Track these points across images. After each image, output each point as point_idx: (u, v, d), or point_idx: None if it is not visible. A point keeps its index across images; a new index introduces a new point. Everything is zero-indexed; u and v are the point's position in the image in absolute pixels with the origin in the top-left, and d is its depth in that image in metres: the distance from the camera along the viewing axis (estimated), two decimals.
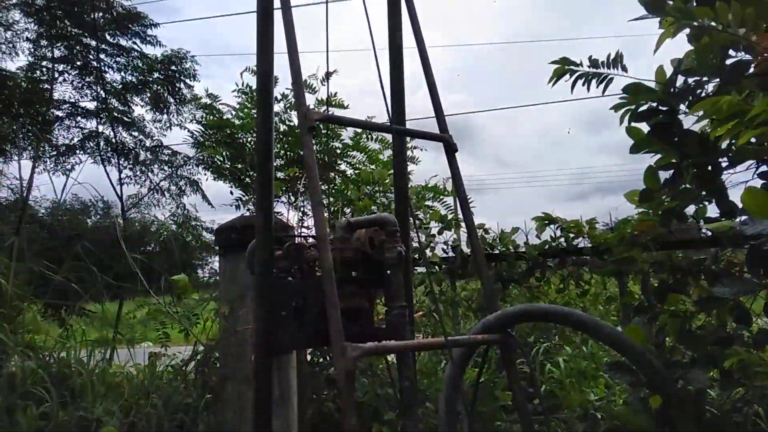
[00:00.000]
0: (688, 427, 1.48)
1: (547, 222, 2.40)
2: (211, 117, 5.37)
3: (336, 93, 4.97)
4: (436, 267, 2.42)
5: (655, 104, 1.96)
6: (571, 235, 2.39)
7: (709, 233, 2.21)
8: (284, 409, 2.67)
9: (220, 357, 2.77)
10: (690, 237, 2.28)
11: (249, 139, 5.05)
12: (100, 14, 7.55)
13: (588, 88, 2.04)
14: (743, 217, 1.79)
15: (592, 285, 2.64)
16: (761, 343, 1.73)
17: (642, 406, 2.40)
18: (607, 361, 2.13)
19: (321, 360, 3.74)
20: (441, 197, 3.15)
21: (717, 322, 1.97)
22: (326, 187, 4.05)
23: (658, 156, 1.99)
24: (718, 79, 1.87)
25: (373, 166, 4.57)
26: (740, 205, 1.96)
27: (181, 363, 4.25)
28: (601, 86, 2.04)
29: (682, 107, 1.94)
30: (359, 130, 4.70)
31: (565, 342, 3.88)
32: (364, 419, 2.54)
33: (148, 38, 7.91)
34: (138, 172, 8.14)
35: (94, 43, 7.56)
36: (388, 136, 4.61)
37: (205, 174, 7.76)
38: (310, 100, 4.91)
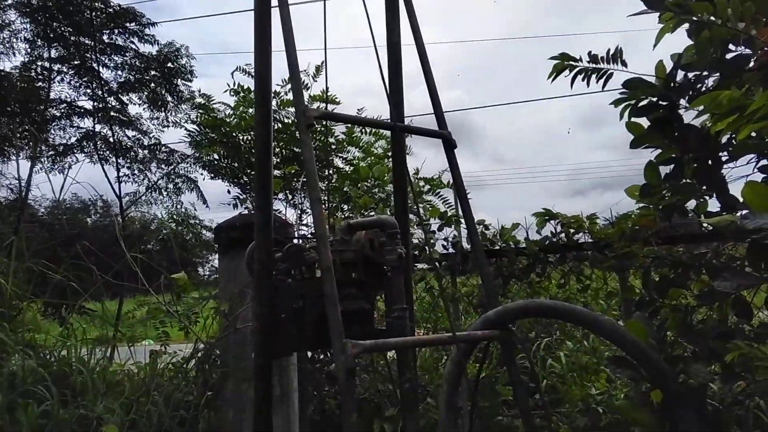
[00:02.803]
0: (689, 422, 1.48)
1: (547, 218, 2.40)
2: (206, 117, 5.36)
3: (328, 89, 4.97)
4: (437, 263, 2.41)
5: (655, 99, 1.95)
6: (572, 231, 2.38)
7: (710, 228, 2.21)
8: (285, 407, 2.68)
9: (220, 355, 2.77)
10: (691, 231, 2.28)
11: (245, 138, 5.04)
12: (97, 13, 7.52)
13: (588, 84, 2.04)
14: (744, 212, 1.79)
15: (592, 280, 2.64)
16: (762, 337, 1.73)
17: (643, 400, 2.40)
18: (609, 356, 2.13)
19: (322, 357, 3.75)
20: (439, 191, 3.15)
21: (718, 316, 1.97)
22: (324, 185, 4.04)
23: (659, 151, 1.99)
24: (718, 74, 1.87)
25: (368, 160, 4.56)
26: (741, 200, 1.96)
27: (181, 361, 4.25)
28: (601, 81, 2.03)
29: (683, 102, 1.94)
30: (352, 126, 4.69)
31: (567, 337, 3.88)
32: (365, 415, 2.54)
33: (145, 37, 7.89)
34: (136, 171, 8.13)
35: (90, 42, 7.54)
36: (382, 131, 4.61)
37: (202, 174, 7.76)
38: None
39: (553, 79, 2.06)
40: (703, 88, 1.92)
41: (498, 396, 3.90)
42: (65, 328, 4.27)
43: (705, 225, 2.22)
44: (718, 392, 3.05)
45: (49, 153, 8.02)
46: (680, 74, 1.92)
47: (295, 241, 2.33)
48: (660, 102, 1.95)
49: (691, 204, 2.05)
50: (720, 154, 1.92)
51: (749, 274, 1.76)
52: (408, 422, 1.62)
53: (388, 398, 3.59)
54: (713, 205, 2.01)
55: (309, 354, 3.26)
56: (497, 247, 2.59)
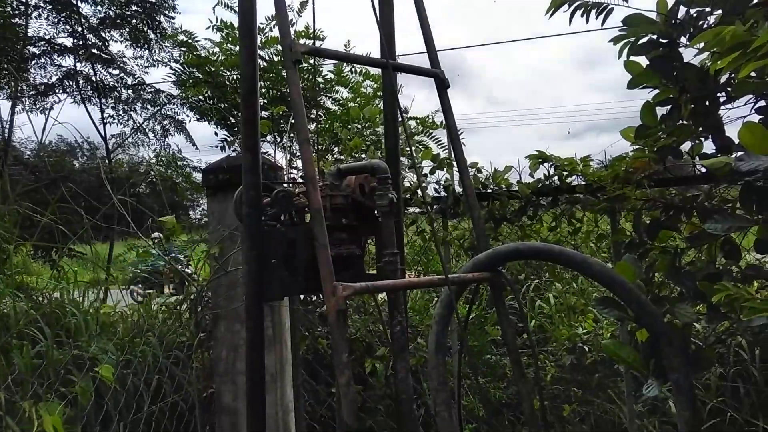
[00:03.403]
0: (673, 360, 1.51)
1: (540, 160, 2.37)
2: (190, 56, 5.16)
3: (315, 23, 4.77)
4: (428, 207, 2.40)
5: (655, 36, 1.89)
6: (565, 174, 2.36)
7: (704, 170, 2.19)
8: (278, 347, 2.72)
9: (211, 298, 2.79)
10: (684, 174, 2.26)
11: (231, 77, 4.87)
12: None
13: (587, 20, 1.96)
14: (739, 153, 1.77)
15: (584, 223, 2.64)
16: (750, 278, 1.75)
17: (629, 339, 2.46)
18: (596, 297, 2.16)
19: (314, 299, 3.79)
20: (431, 132, 3.08)
21: (707, 258, 1.98)
22: (313, 126, 3.96)
23: (656, 92, 1.94)
24: (720, 10, 1.80)
25: (358, 101, 4.45)
26: (737, 142, 1.94)
27: (174, 303, 4.30)
28: (600, 17, 1.96)
29: (683, 40, 1.88)
30: (340, 64, 4.54)
31: (556, 279, 3.95)
32: (356, 355, 2.59)
33: None
34: (120, 112, 7.93)
35: None
36: (372, 70, 4.47)
37: (188, 115, 7.59)
38: None
39: (551, 15, 1.98)
40: (705, 25, 1.85)
41: (486, 336, 4.00)
42: (56, 271, 4.28)
43: (698, 167, 2.20)
44: (702, 331, 3.14)
45: (30, 93, 7.78)
46: (682, 10, 1.86)
47: (285, 185, 2.30)
48: (660, 39, 1.89)
49: (686, 146, 2.03)
50: (718, 94, 1.89)
51: (740, 217, 1.76)
52: (398, 362, 1.64)
53: (379, 338, 3.67)
54: (708, 147, 1.99)
55: (301, 296, 3.29)
56: (489, 191, 2.57)
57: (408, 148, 1.97)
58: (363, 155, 3.12)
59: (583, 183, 2.37)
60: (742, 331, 2.86)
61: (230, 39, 4.76)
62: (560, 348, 3.80)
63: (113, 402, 3.09)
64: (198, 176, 8.21)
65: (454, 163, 2.58)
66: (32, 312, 3.25)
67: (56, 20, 7.60)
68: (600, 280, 1.61)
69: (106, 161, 7.36)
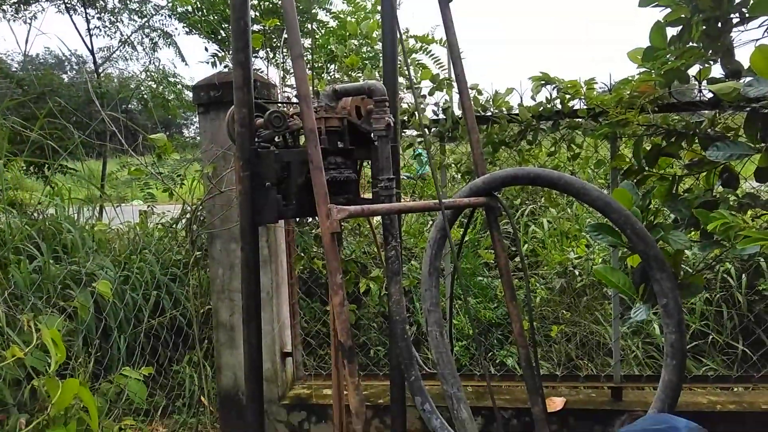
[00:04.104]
0: (664, 285, 1.53)
1: (543, 82, 2.29)
2: None
3: None
4: (426, 130, 2.34)
5: None
6: (568, 97, 2.29)
7: (709, 96, 2.13)
8: (273, 266, 2.76)
9: (206, 217, 2.78)
10: (689, 99, 2.20)
11: None
12: None
13: None
14: (748, 79, 1.71)
15: (583, 149, 2.60)
16: (746, 207, 1.75)
17: (620, 265, 2.50)
18: (590, 223, 2.17)
19: (309, 220, 3.80)
20: (430, 50, 2.95)
21: (704, 186, 1.97)
22: (307, 43, 3.80)
23: (668, 11, 1.85)
24: None
25: (355, 16, 4.24)
26: (746, 67, 1.87)
27: (170, 221, 4.32)
28: None
29: None
30: None
31: (551, 204, 3.96)
32: (351, 275, 2.63)
33: None
34: (107, 23, 7.58)
35: None
36: None
37: (177, 29, 7.27)
38: None
39: None
40: None
41: (479, 259, 4.07)
42: (50, 187, 4.25)
43: (704, 93, 2.14)
44: (691, 258, 3.19)
45: (12, 1, 7.39)
46: None
47: (278, 105, 2.23)
48: None
49: (694, 70, 1.96)
50: (732, 15, 1.80)
51: (743, 144, 1.73)
52: (392, 285, 1.66)
53: (373, 259, 3.72)
54: (717, 71, 1.92)
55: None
56: (489, 114, 2.50)
57: (406, 68, 1.88)
58: (360, 74, 3.01)
59: (586, 107, 2.30)
60: (731, 258, 2.91)
61: None
62: (551, 272, 3.88)
63: (113, 316, 3.18)
64: (189, 94, 7.99)
65: (454, 84, 2.50)
66: (27, 228, 3.26)
67: None
68: (597, 206, 1.61)
69: (95, 75, 7.12)
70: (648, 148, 2.09)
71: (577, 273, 3.77)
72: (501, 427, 1.61)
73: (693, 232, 1.86)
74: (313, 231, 3.86)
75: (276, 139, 1.79)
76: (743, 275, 3.48)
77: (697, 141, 1.98)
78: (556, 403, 2.60)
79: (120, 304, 3.23)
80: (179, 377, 3.47)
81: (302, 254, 3.04)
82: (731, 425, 2.46)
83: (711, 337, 3.47)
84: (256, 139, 1.69)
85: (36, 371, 1.96)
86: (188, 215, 3.31)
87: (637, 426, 1.24)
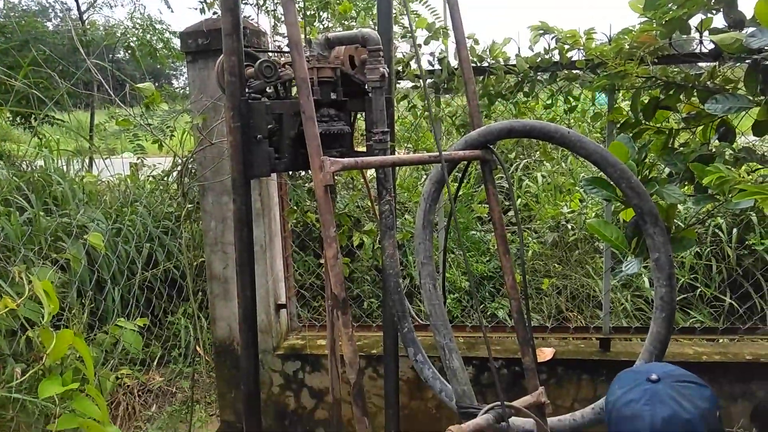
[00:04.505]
0: (656, 239, 1.54)
1: (542, 31, 2.22)
2: None
3: None
4: (422, 81, 2.28)
5: None
6: (566, 47, 2.23)
7: (710, 48, 2.09)
8: (266, 219, 2.75)
9: (198, 169, 2.75)
10: (689, 51, 2.16)
11: None
12: None
13: None
14: (751, 29, 1.67)
15: (581, 101, 2.55)
16: (742, 161, 1.74)
17: (613, 219, 2.51)
18: (584, 177, 2.15)
19: (302, 173, 3.77)
20: None
21: (700, 140, 1.96)
22: None
23: None
24: None
25: None
26: (749, 17, 1.82)
27: (161, 174, 4.27)
28: None
29: None
30: None
31: (546, 158, 3.94)
32: (344, 228, 2.63)
33: None
34: None
35: None
36: None
37: None
38: None
39: None
40: None
41: (472, 213, 4.08)
42: (38, 138, 4.17)
43: (705, 45, 2.09)
44: (683, 212, 3.21)
45: None
46: None
47: (269, 54, 2.16)
48: None
49: (696, 20, 1.91)
50: None
51: (742, 97, 1.70)
52: (386, 239, 1.65)
53: (367, 213, 3.72)
54: (719, 21, 1.87)
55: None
56: (485, 64, 2.44)
57: (403, 15, 1.82)
58: (353, 24, 2.92)
59: (584, 59, 2.25)
60: (723, 212, 2.92)
61: None
62: (544, 226, 3.89)
63: (106, 269, 3.18)
64: (177, 42, 7.75)
65: (450, 33, 2.43)
66: (16, 179, 3.21)
67: None
68: (593, 159, 1.59)
69: (79, 23, 6.88)
70: (646, 101, 2.06)
71: (569, 227, 3.79)
72: (496, 374, 1.64)
73: (687, 186, 1.86)
74: (306, 185, 3.83)
75: (267, 90, 1.74)
76: (734, 230, 3.51)
77: (695, 94, 1.96)
78: (545, 354, 2.66)
79: (113, 256, 3.23)
80: (174, 328, 3.51)
81: (295, 208, 3.03)
82: (716, 375, 2.52)
83: (699, 290, 3.53)
84: (247, 90, 1.65)
85: (30, 322, 1.96)
86: (179, 168, 3.26)
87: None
